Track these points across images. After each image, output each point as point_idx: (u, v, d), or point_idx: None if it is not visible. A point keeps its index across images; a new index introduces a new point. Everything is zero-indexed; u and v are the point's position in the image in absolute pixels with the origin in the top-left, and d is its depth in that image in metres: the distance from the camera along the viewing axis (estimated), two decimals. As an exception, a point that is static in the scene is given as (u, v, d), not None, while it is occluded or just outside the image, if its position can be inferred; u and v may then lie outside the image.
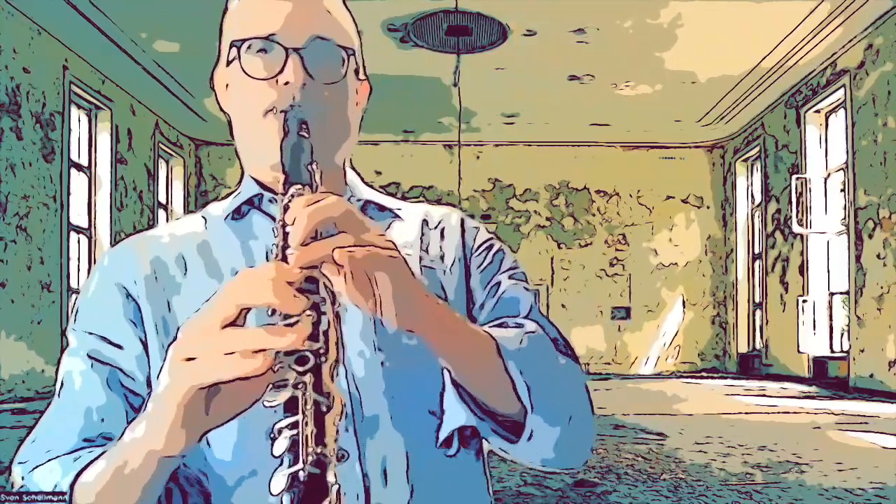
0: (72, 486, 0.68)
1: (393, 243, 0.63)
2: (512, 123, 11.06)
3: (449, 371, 0.74)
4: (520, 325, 0.81)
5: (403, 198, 0.99)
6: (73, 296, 8.42)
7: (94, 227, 9.02)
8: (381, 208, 0.93)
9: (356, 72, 0.87)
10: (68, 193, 8.19)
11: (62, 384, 0.81)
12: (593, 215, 12.15)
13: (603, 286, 12.02)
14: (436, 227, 0.92)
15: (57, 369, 0.82)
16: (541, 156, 11.94)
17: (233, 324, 0.56)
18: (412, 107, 10.11)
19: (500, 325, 0.81)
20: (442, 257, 0.90)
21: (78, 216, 8.69)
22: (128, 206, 9.65)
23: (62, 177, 8.02)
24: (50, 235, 7.77)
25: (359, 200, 0.91)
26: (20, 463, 0.76)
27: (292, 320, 0.56)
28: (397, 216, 0.93)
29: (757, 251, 11.11)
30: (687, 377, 11.19)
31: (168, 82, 9.24)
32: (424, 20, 7.59)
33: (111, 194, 9.16)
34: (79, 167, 8.76)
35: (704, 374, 11.57)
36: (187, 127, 11.10)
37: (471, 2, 7.15)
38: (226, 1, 0.87)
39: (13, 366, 7.04)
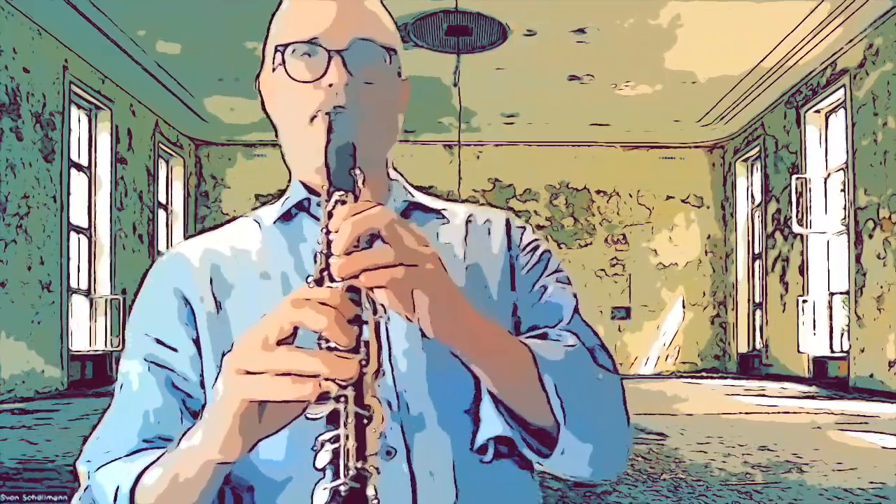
0: (132, 489, 0.72)
1: (436, 254, 0.65)
2: (512, 123, 11.06)
3: (485, 382, 0.74)
4: (561, 337, 0.81)
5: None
6: (73, 296, 8.43)
7: (94, 227, 9.01)
8: (426, 209, 0.93)
9: (398, 72, 0.88)
10: (68, 193, 8.19)
11: (121, 385, 0.83)
12: (593, 215, 12.15)
13: (603, 286, 12.02)
14: (481, 227, 0.93)
15: (115, 369, 0.86)
16: (541, 156, 11.94)
17: (286, 340, 0.58)
18: (412, 107, 9.81)
19: (540, 336, 0.81)
20: (487, 257, 0.90)
21: (78, 216, 8.69)
22: (128, 206, 9.65)
23: (62, 177, 8.02)
24: (50, 235, 7.76)
25: (403, 202, 0.92)
26: (86, 461, 0.80)
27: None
28: (442, 216, 0.93)
29: (757, 251, 11.10)
30: (687, 377, 11.19)
31: (168, 82, 9.24)
32: (424, 20, 7.59)
33: (111, 194, 9.16)
34: (79, 167, 8.75)
35: (704, 374, 11.56)
36: (187, 127, 11.10)
37: (471, 2, 7.15)
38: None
39: (13, 366, 7.04)
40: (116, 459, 0.77)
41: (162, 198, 11.07)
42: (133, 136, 9.77)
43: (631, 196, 12.11)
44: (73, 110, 8.53)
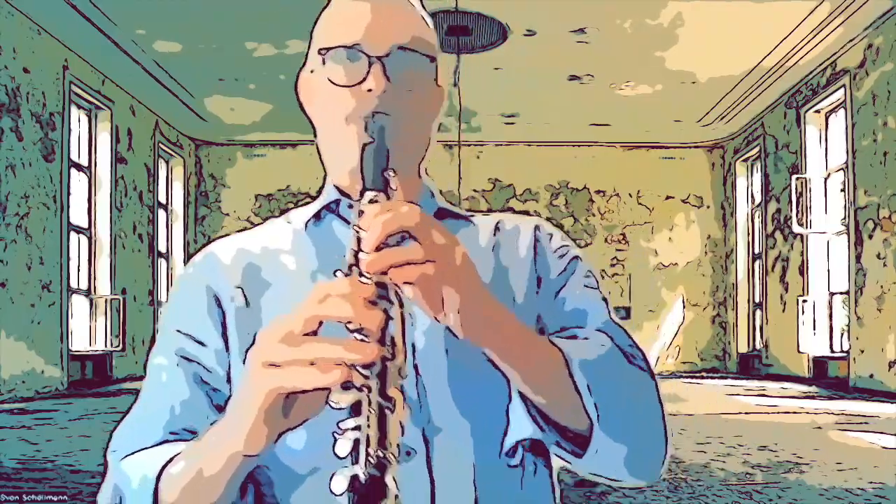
0: (157, 477, 0.72)
1: (465, 253, 0.65)
2: (512, 123, 11.06)
3: (515, 383, 0.74)
4: (590, 337, 0.81)
5: None
6: (73, 296, 8.42)
7: (94, 227, 9.01)
8: (455, 216, 0.94)
9: (435, 80, 0.90)
10: (68, 193, 8.19)
11: (150, 378, 0.85)
12: (593, 215, 12.15)
13: (603, 286, 11.96)
14: (509, 233, 0.93)
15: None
16: (541, 156, 11.94)
17: (311, 334, 0.59)
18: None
19: (570, 337, 0.81)
20: (514, 263, 0.90)
21: (78, 216, 8.69)
22: (128, 206, 9.65)
23: (62, 177, 8.02)
24: (50, 235, 7.76)
25: (434, 207, 0.93)
26: (112, 451, 0.81)
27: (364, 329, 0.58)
28: (471, 223, 0.94)
29: (757, 251, 11.10)
30: (687, 377, 11.19)
31: (168, 82, 9.24)
32: (424, 20, 7.59)
33: (111, 194, 9.16)
34: (79, 167, 8.75)
35: (704, 374, 11.56)
36: (187, 127, 11.10)
37: (471, 2, 7.15)
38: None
39: (13, 366, 7.04)
40: (142, 450, 0.78)
41: (162, 198, 11.06)
42: (133, 136, 9.77)
43: (631, 196, 12.11)
44: (73, 110, 8.53)
